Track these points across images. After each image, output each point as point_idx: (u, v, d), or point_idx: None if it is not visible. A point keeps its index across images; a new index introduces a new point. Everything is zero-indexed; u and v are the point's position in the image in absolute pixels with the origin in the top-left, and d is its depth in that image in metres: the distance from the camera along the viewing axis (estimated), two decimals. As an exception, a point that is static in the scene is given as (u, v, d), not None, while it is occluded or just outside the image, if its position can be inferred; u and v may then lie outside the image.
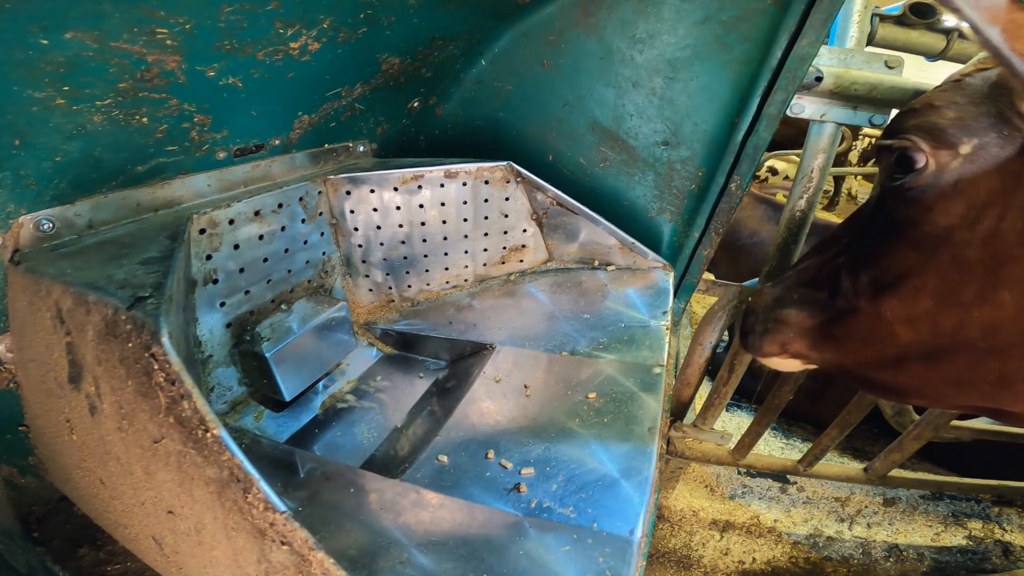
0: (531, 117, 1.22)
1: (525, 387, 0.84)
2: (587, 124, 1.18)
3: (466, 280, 1.17)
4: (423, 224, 1.08)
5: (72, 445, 0.61)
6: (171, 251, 0.63)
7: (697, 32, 1.00)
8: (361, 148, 1.18)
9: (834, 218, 2.27)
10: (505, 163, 1.09)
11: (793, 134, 4.75)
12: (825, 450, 1.83)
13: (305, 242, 0.95)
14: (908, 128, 0.64)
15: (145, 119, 0.68)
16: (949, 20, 1.24)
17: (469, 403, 0.82)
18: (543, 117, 1.21)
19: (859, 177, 6.39)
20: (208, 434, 0.44)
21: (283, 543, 0.43)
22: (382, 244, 1.07)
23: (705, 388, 2.42)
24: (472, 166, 1.07)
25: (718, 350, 1.70)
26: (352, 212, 1.03)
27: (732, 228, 2.73)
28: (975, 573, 1.86)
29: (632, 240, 1.14)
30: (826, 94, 1.15)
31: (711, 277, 1.51)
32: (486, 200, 1.11)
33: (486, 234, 1.14)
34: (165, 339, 0.47)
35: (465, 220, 1.11)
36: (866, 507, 2.08)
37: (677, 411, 1.80)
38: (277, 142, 0.95)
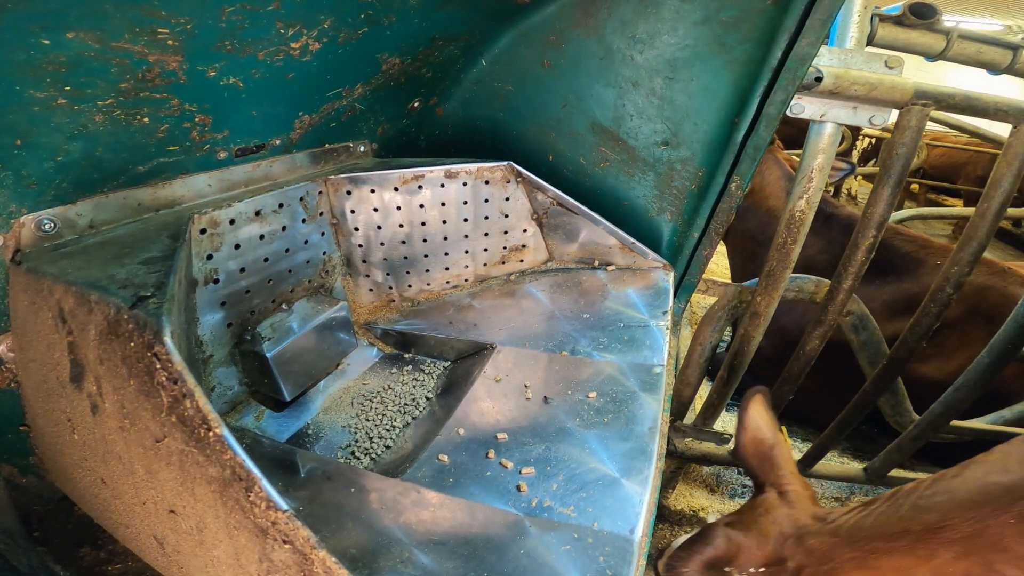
0: (531, 117, 1.23)
1: (525, 387, 0.84)
2: (587, 124, 1.18)
3: (466, 280, 1.17)
4: (423, 224, 1.08)
5: (74, 444, 0.62)
6: (172, 251, 0.63)
7: (697, 32, 1.01)
8: (361, 148, 1.18)
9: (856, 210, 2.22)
10: (505, 163, 1.09)
11: (793, 134, 4.76)
12: (825, 450, 1.83)
13: (306, 242, 0.95)
14: None
15: (146, 119, 0.69)
16: (949, 20, 1.24)
17: (469, 403, 0.82)
18: (543, 117, 1.21)
19: (859, 177, 6.40)
20: (210, 433, 0.44)
21: (285, 542, 0.43)
22: (382, 244, 1.07)
23: (705, 388, 2.42)
24: (472, 166, 1.07)
25: (718, 350, 1.70)
26: (353, 212, 1.03)
27: (761, 220, 2.47)
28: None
29: (632, 240, 1.14)
30: (826, 94, 1.15)
31: (711, 277, 1.51)
32: (486, 200, 1.11)
33: (486, 234, 1.14)
34: (167, 338, 0.47)
35: (465, 220, 1.11)
36: (866, 507, 2.08)
37: (677, 411, 1.80)
38: (278, 142, 0.95)
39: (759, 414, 1.01)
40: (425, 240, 1.09)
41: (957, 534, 0.61)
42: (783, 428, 1.03)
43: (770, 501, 0.86)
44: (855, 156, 7.16)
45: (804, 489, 0.87)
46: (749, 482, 2.19)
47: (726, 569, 0.76)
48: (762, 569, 0.74)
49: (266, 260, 0.86)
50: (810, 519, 0.79)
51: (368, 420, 0.87)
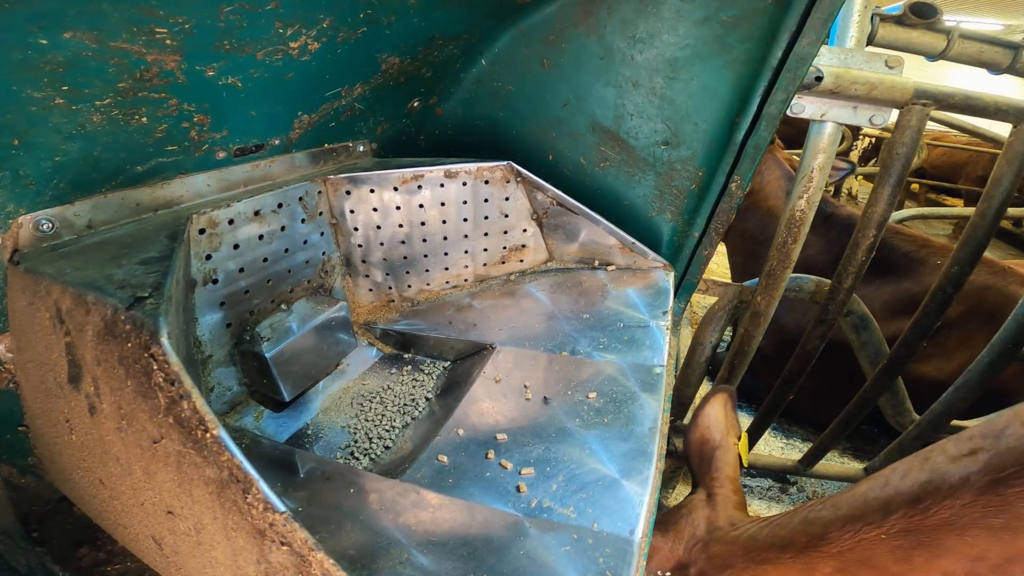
0: (531, 117, 1.22)
1: (525, 387, 0.84)
2: (587, 124, 1.17)
3: (466, 280, 1.16)
4: (423, 224, 1.08)
5: (72, 445, 0.61)
6: (170, 251, 0.63)
7: (697, 32, 1.00)
8: (361, 148, 1.18)
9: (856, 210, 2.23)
10: (505, 163, 1.09)
11: (793, 134, 4.76)
12: (825, 450, 1.83)
13: (305, 242, 0.95)
14: None
15: (144, 119, 0.68)
16: (949, 20, 1.25)
17: (469, 403, 0.82)
18: (543, 117, 1.21)
19: (859, 177, 6.39)
20: (207, 434, 0.44)
21: (283, 543, 0.43)
22: (382, 244, 1.07)
23: (705, 388, 2.42)
24: (472, 166, 1.07)
25: (718, 350, 1.70)
26: (352, 212, 1.03)
27: (761, 219, 2.47)
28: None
29: (632, 240, 1.14)
30: (826, 94, 1.15)
31: (711, 277, 1.51)
32: (486, 200, 1.11)
33: (486, 234, 1.14)
34: (164, 339, 0.47)
35: (465, 220, 1.11)
36: (866, 507, 2.08)
37: (677, 411, 1.80)
38: (277, 142, 0.95)
39: (715, 414, 1.01)
40: (425, 240, 1.09)
41: (835, 548, 0.62)
42: (743, 434, 1.02)
43: (695, 503, 0.87)
44: (855, 156, 7.16)
45: (734, 495, 0.88)
46: (749, 482, 2.19)
47: None
48: (668, 573, 0.78)
49: (265, 260, 0.86)
50: (725, 524, 0.80)
51: (367, 420, 0.87)
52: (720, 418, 1.00)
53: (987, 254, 1.49)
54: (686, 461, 1.00)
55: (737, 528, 0.77)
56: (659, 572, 0.78)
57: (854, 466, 1.92)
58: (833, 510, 0.65)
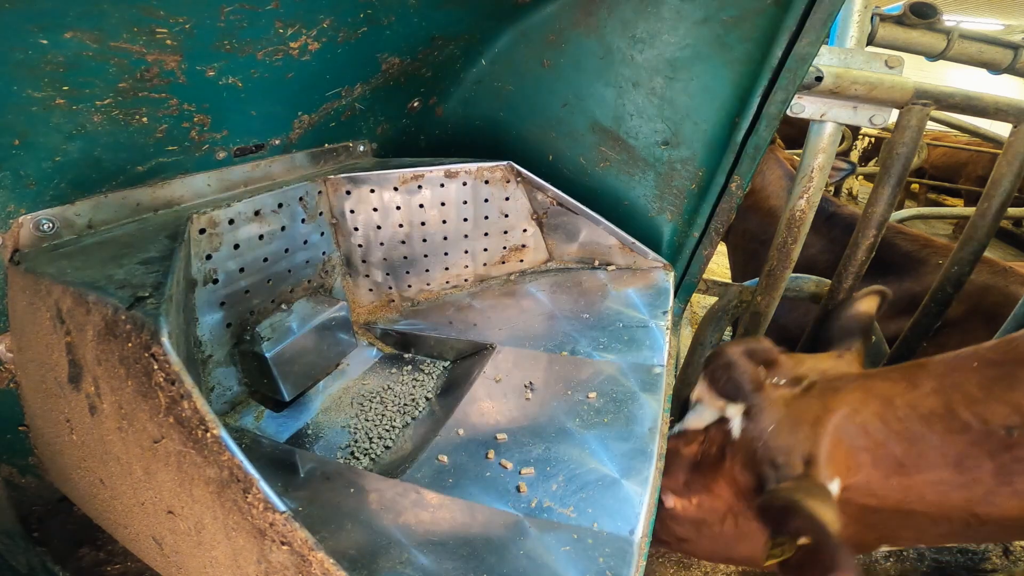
0: (531, 117, 1.22)
1: (525, 387, 0.84)
2: (587, 124, 1.18)
3: (466, 280, 1.16)
4: (423, 224, 1.08)
5: (72, 445, 0.61)
6: (171, 251, 0.63)
7: (697, 32, 1.00)
8: (361, 148, 1.18)
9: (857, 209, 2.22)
10: (505, 163, 1.09)
11: (793, 134, 4.76)
12: (825, 450, 1.82)
13: (305, 242, 0.95)
14: None
15: (145, 119, 0.68)
16: (949, 20, 1.25)
17: (469, 403, 0.82)
18: (543, 117, 1.21)
19: (859, 177, 6.40)
20: (208, 434, 0.44)
21: (283, 543, 0.43)
22: (382, 244, 1.07)
23: (705, 388, 2.41)
24: (472, 166, 1.07)
25: (718, 350, 1.70)
26: (352, 212, 1.03)
27: (762, 219, 2.54)
28: (975, 573, 1.86)
29: (632, 240, 1.14)
30: (826, 94, 1.15)
31: (711, 277, 1.51)
32: (486, 200, 1.11)
33: (486, 234, 1.14)
34: (165, 339, 0.47)
35: (465, 220, 1.11)
36: (866, 507, 2.07)
37: (677, 411, 1.80)
38: (277, 142, 0.95)
39: (867, 305, 1.08)
40: (425, 240, 1.09)
41: (940, 369, 0.70)
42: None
43: (825, 354, 0.95)
44: (855, 156, 7.16)
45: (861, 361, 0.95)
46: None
47: (761, 370, 0.87)
48: (783, 381, 0.85)
49: (265, 260, 0.86)
50: (845, 365, 0.89)
51: (368, 420, 0.87)
52: (874, 308, 1.08)
53: (987, 254, 1.49)
54: (827, 328, 1.09)
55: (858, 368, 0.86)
56: (776, 379, 0.85)
57: (854, 466, 1.91)
58: (943, 354, 0.73)
